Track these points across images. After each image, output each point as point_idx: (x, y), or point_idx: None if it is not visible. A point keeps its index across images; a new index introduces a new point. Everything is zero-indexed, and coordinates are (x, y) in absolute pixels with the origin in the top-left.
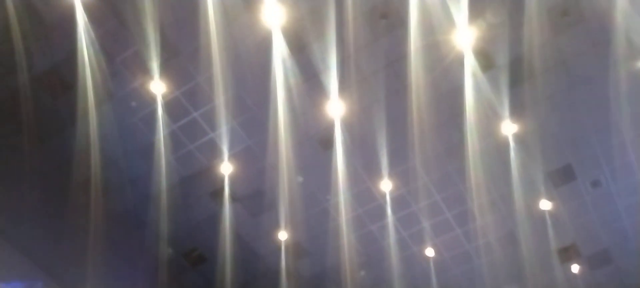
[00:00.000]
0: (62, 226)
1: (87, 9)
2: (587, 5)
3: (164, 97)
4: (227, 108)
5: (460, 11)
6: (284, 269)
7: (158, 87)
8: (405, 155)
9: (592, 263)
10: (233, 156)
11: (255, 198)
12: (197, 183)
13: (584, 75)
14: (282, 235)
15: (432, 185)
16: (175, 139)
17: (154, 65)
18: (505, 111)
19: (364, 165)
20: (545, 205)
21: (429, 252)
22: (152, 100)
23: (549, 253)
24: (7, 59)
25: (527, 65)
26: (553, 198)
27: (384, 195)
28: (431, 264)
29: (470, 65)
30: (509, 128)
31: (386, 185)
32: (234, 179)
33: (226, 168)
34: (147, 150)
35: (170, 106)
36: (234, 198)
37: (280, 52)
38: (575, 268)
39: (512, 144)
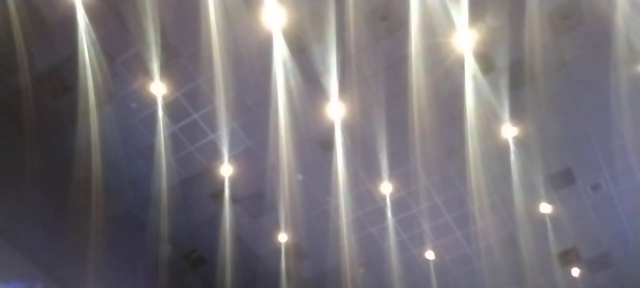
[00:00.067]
0: (62, 226)
1: (88, 10)
2: (587, 8)
3: (164, 98)
4: (228, 109)
5: (461, 14)
6: (284, 271)
7: (158, 88)
8: (405, 158)
9: (592, 267)
10: (233, 157)
11: (256, 199)
12: (197, 184)
13: (585, 78)
14: (282, 237)
15: (432, 188)
16: (175, 140)
17: (155, 66)
18: (506, 114)
19: (364, 167)
20: (545, 208)
21: (429, 254)
22: (152, 101)
23: (549, 256)
24: (8, 59)
25: (527, 68)
26: (553, 202)
27: (384, 198)
28: (431, 267)
29: (471, 68)
30: (509, 131)
31: (386, 188)
32: (234, 181)
33: (226, 169)
34: (148, 151)
35: (171, 107)
36: (234, 199)
37: (280, 53)
38: (575, 271)
39: (512, 146)
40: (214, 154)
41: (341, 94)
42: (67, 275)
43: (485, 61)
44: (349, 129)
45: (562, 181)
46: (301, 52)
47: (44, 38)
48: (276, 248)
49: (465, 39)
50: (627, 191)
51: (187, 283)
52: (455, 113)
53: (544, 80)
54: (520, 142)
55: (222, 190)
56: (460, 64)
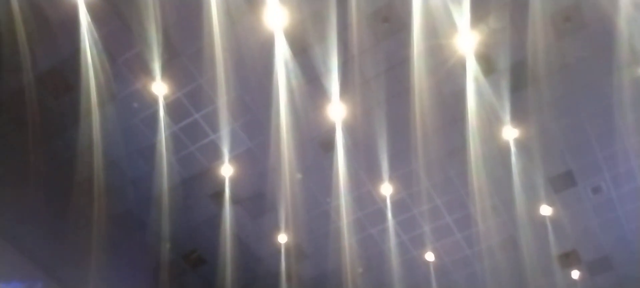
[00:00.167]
0: (63, 226)
1: (90, 10)
2: (589, 11)
3: (165, 98)
4: (229, 110)
5: (463, 15)
6: (284, 272)
7: (160, 88)
8: (406, 159)
9: (592, 270)
10: (234, 158)
11: (256, 200)
12: (197, 184)
13: (586, 81)
14: (282, 238)
15: (432, 189)
16: (176, 140)
17: (156, 66)
18: (507, 116)
19: (364, 169)
20: (545, 210)
21: (429, 256)
22: (153, 101)
23: (549, 259)
24: (10, 58)
25: (529, 70)
26: (554, 204)
27: (384, 199)
28: (431, 268)
29: (472, 70)
30: (510, 133)
31: (387, 189)
32: (234, 181)
33: (227, 170)
34: (149, 151)
35: (172, 107)
36: (234, 200)
37: (282, 54)
38: (575, 274)
39: (513, 148)
40: (215, 154)
41: (342, 94)
42: (67, 275)
43: (487, 63)
44: (350, 129)
45: (562, 183)
46: (303, 53)
47: (46, 37)
48: (276, 248)
49: (467, 41)
50: (628, 194)
51: (187, 283)
52: (456, 114)
53: (545, 82)
54: (521, 144)
55: (222, 191)
56: (461, 66)
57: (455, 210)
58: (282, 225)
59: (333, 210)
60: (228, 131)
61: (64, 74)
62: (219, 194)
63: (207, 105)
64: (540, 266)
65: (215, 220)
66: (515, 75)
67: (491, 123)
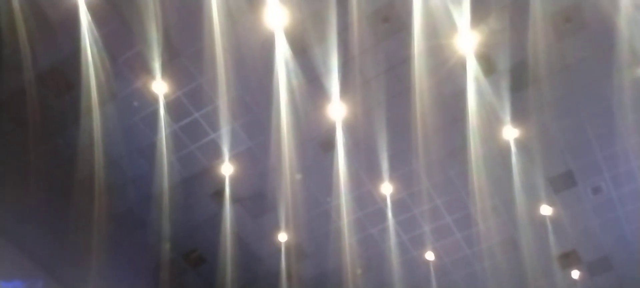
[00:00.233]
0: (63, 225)
1: (91, 9)
2: (590, 11)
3: (165, 97)
4: (229, 109)
5: (463, 15)
6: (284, 271)
7: (160, 87)
8: (406, 159)
9: (592, 270)
10: (234, 157)
11: (256, 199)
12: (197, 184)
13: (586, 81)
14: (283, 237)
15: (433, 189)
16: (176, 140)
17: (156, 65)
18: (507, 116)
19: (365, 168)
20: (546, 210)
21: (429, 256)
22: (154, 100)
23: (549, 259)
24: (11, 57)
25: (529, 70)
26: (554, 204)
27: (384, 199)
28: (431, 268)
29: (473, 70)
30: (510, 133)
31: (387, 189)
32: (234, 180)
33: (227, 169)
34: (149, 150)
35: (172, 106)
36: (234, 199)
37: (282, 54)
38: (575, 274)
39: (513, 148)
40: (215, 154)
41: (342, 94)
42: (67, 274)
43: (487, 63)
44: (350, 129)
45: (563, 183)
46: (303, 53)
47: (46, 36)
48: (276, 248)
49: (467, 41)
50: (628, 194)
51: (188, 282)
52: (456, 115)
53: (545, 82)
54: (521, 144)
55: (222, 190)
56: (462, 66)
57: (456, 210)
58: (283, 224)
59: (333, 210)
60: (228, 130)
61: (65, 73)
62: (219, 193)
63: (207, 105)
64: (541, 266)
65: (215, 220)
66: (516, 76)
67: (491, 123)
